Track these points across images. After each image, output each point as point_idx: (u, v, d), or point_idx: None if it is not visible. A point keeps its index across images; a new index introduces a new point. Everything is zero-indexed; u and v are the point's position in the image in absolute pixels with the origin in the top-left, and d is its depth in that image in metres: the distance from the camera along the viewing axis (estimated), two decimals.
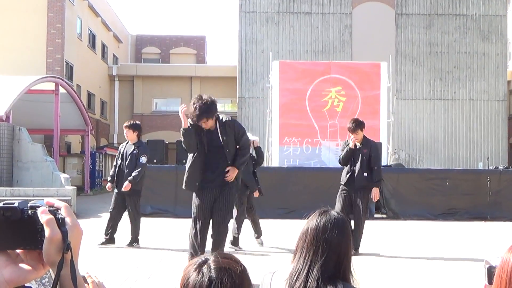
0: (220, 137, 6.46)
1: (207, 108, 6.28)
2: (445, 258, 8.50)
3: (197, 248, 6.37)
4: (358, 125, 8.90)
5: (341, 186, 9.03)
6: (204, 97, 6.35)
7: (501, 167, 16.22)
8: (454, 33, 27.49)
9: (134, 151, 9.36)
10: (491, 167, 19.09)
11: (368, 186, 8.96)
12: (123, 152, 9.48)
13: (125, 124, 9.62)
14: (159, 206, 13.79)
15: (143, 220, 9.86)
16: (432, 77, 27.37)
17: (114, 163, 9.64)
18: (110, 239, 9.39)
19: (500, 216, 14.22)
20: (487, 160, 25.30)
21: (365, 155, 8.88)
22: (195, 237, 6.38)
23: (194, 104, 6.29)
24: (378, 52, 24.25)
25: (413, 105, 27.21)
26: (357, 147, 8.94)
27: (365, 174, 8.86)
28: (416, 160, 26.73)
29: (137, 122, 9.79)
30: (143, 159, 9.39)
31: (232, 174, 6.50)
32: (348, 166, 8.98)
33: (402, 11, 27.49)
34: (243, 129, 6.77)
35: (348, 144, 8.98)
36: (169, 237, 10.43)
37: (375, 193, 9.01)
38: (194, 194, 6.56)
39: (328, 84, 17.69)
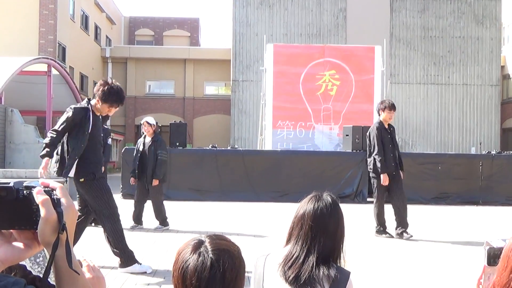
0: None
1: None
2: (438, 241, 8.55)
3: None
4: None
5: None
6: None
7: (493, 152, 16.27)
8: (449, 18, 27.44)
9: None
10: (483, 152, 19.15)
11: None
12: None
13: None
14: None
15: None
16: (426, 62, 27.36)
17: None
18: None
19: (492, 201, 14.32)
20: (480, 145, 25.38)
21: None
22: None
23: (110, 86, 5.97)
24: (373, 35, 24.19)
25: (406, 90, 27.23)
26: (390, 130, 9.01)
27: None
28: (409, 145, 26.81)
29: None
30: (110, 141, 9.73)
31: None
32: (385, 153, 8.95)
33: None
34: None
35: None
36: None
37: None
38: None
39: (322, 67, 17.66)
